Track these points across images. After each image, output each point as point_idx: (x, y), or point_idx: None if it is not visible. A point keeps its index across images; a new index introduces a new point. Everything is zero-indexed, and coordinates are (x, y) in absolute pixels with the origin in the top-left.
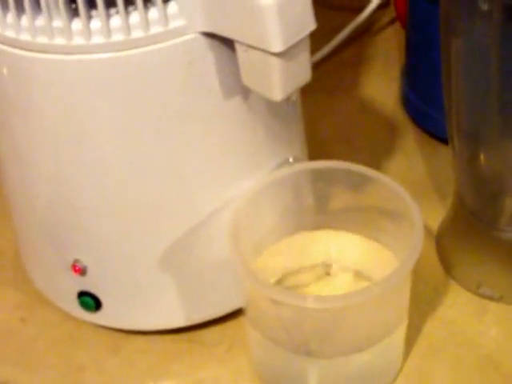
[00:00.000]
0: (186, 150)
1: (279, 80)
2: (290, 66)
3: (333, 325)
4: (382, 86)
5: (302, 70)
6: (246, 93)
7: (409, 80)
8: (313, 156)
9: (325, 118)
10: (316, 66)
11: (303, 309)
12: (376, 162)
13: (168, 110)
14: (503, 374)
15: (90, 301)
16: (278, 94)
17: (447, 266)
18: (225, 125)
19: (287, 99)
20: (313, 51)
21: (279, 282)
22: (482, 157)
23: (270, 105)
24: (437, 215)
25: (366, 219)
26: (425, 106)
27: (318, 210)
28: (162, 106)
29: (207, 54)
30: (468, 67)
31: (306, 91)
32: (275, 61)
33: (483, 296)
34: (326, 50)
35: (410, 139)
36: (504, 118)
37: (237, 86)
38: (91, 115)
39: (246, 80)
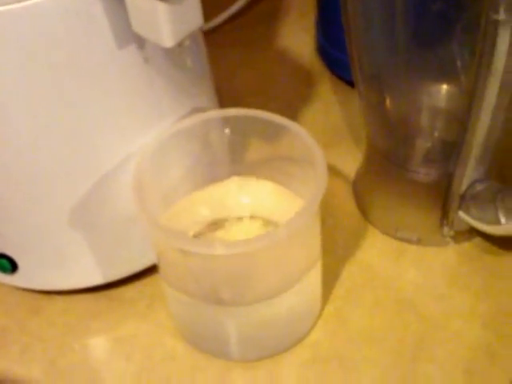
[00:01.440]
0: (83, 103)
1: (168, 26)
2: (179, 11)
3: (242, 271)
4: (297, 36)
5: (192, 15)
6: (140, 41)
7: (322, 28)
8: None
9: (241, 71)
10: (231, 19)
11: (211, 256)
12: (293, 112)
13: (60, 63)
14: (421, 316)
15: (6, 262)
16: (168, 41)
17: (364, 211)
18: (122, 75)
19: (180, 45)
20: (228, 4)
21: (196, 235)
22: (387, 100)
23: (168, 54)
24: (354, 161)
25: (276, 167)
26: (338, 53)
27: (230, 160)
28: (53, 59)
29: (94, 3)
30: (367, 4)
31: (221, 44)
32: (162, 6)
33: (401, 239)
34: (241, 2)
35: (326, 87)
36: (405, 58)
37: (130, 35)
38: None
39: (136, 27)
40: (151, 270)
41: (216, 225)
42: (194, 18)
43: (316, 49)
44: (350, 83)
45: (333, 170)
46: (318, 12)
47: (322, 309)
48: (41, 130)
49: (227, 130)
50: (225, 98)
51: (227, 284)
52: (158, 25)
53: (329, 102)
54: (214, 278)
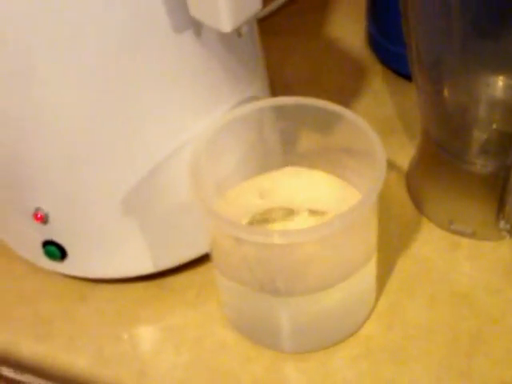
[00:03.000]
0: (139, 89)
1: (227, 10)
2: None
3: (298, 261)
4: (347, 26)
5: (251, 0)
6: (197, 27)
7: (373, 19)
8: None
9: (291, 60)
10: (282, 8)
11: (267, 245)
12: (343, 103)
13: (117, 47)
14: (476, 310)
15: (55, 250)
16: (226, 25)
17: (418, 204)
18: (178, 61)
19: (238, 31)
20: None
21: (248, 224)
22: (445, 90)
23: (224, 39)
24: (406, 154)
25: (331, 157)
26: (390, 44)
27: (283, 149)
28: (110, 43)
29: None
30: None
31: (271, 33)
32: None
33: (455, 232)
34: None
35: (377, 78)
36: (465, 47)
37: (189, 19)
38: (39, 49)
39: (194, 11)
40: (201, 260)
41: (267, 215)
42: (252, 2)
43: (366, 39)
44: (401, 75)
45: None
46: (370, 2)
47: (376, 301)
48: (96, 116)
49: (281, 119)
50: (274, 88)
51: (282, 274)
52: (217, 9)
53: (379, 94)
54: (270, 268)
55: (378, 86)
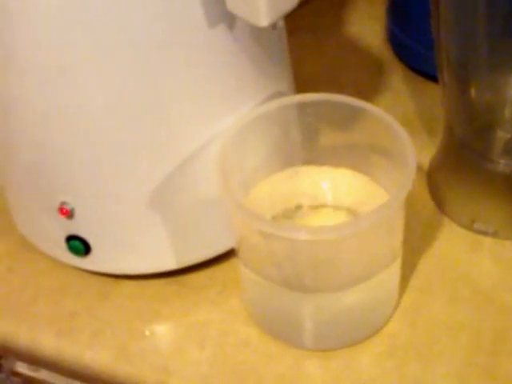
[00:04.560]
0: (169, 84)
1: (266, 5)
2: None
3: (325, 258)
4: (367, 23)
5: None
6: (231, 21)
7: (394, 17)
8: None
9: (310, 58)
10: (301, 5)
11: (296, 242)
12: (363, 100)
13: (149, 40)
14: (498, 308)
15: (80, 245)
16: (263, 19)
17: (440, 203)
18: (210, 55)
19: (273, 26)
20: None
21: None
22: (472, 88)
23: (256, 35)
24: (427, 152)
25: (356, 154)
26: (410, 42)
27: (308, 146)
28: (142, 35)
29: None
30: None
31: (291, 31)
32: None
33: (477, 231)
34: None
35: (397, 76)
36: (493, 47)
37: (222, 14)
38: (70, 47)
39: (231, 5)
40: (223, 257)
41: (292, 211)
42: None
43: (386, 36)
44: (422, 73)
45: None
46: (390, 0)
47: (399, 299)
48: (124, 111)
49: (306, 116)
50: (296, 85)
51: (309, 270)
52: (256, 3)
53: (400, 93)
54: (297, 264)
55: (398, 84)
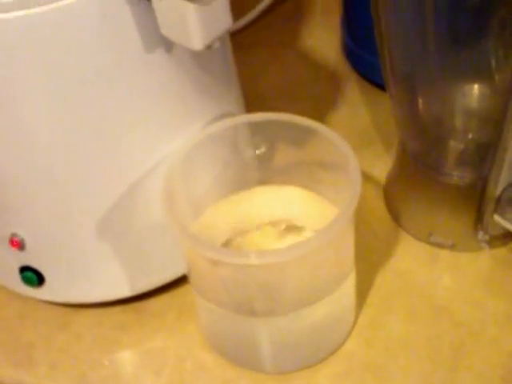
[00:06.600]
0: (112, 109)
1: (197, 28)
2: (208, 13)
3: (275, 281)
4: (322, 36)
5: (221, 17)
6: (168, 45)
7: (347, 28)
8: (254, 111)
9: (266, 73)
10: (255, 20)
11: (244, 266)
12: (319, 114)
13: (89, 68)
14: (457, 323)
15: (33, 276)
16: (197, 43)
17: (396, 216)
18: (150, 80)
19: (209, 48)
20: (251, 6)
21: (226, 243)
22: (420, 100)
23: (197, 57)
24: (383, 165)
25: (307, 172)
26: (365, 54)
27: (259, 166)
28: (82, 64)
29: (121, 6)
30: (399, 5)
31: (246, 46)
32: (191, 7)
33: (434, 244)
34: (264, 3)
35: (354, 88)
36: (439, 57)
37: (159, 39)
38: (9, 79)
39: (165, 30)
40: (179, 282)
41: (245, 232)
42: (223, 19)
43: (342, 49)
44: (378, 85)
45: (362, 175)
46: (344, 12)
47: (357, 317)
48: (70, 141)
49: (255, 135)
50: (249, 101)
51: (260, 294)
52: (187, 27)
53: (355, 104)
54: (246, 288)
55: (354, 96)
